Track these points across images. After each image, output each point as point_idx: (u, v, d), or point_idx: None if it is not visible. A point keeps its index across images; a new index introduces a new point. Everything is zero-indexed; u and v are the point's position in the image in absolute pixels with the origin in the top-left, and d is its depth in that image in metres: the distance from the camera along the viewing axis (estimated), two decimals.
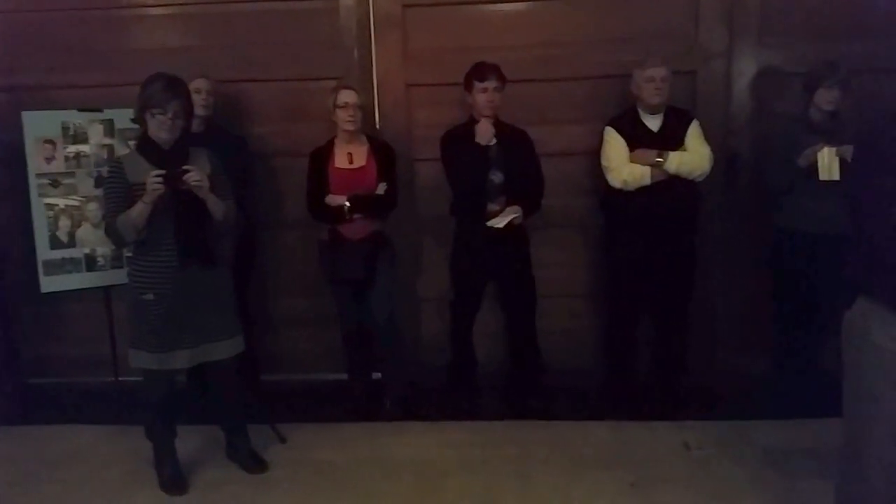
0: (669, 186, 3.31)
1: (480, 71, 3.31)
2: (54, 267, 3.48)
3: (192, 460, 3.16)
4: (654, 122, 3.39)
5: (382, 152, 3.46)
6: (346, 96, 3.34)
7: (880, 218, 1.85)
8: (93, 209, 3.50)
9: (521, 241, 3.52)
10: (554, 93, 3.73)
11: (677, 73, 3.38)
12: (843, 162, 3.07)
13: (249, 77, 3.82)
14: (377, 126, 3.81)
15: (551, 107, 3.74)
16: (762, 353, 3.66)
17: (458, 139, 3.39)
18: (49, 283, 3.49)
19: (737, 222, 3.75)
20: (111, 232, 2.76)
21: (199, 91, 3.26)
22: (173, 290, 2.76)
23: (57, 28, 3.85)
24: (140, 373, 2.88)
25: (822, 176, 3.11)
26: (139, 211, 2.66)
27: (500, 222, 3.33)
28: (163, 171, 2.63)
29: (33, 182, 3.44)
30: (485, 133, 3.30)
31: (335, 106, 3.34)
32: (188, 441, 3.19)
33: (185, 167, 2.67)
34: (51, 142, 3.45)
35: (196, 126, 2.91)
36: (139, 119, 2.75)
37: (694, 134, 3.38)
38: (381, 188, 3.40)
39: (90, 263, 3.54)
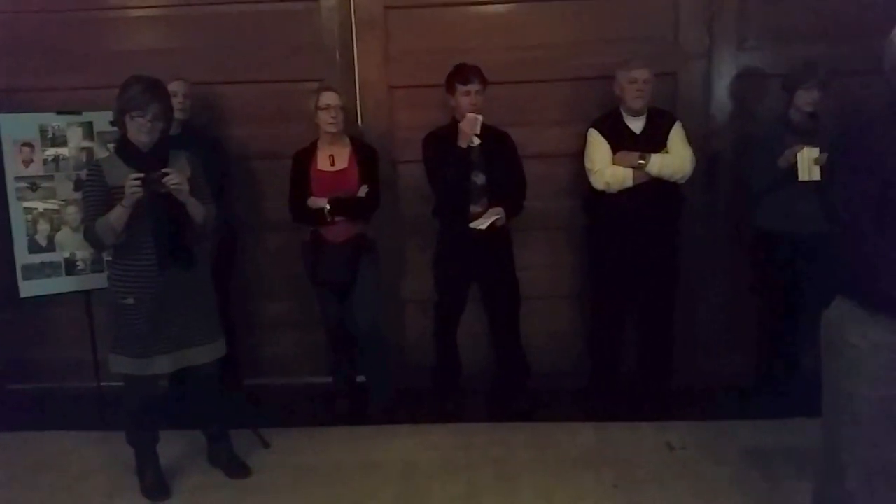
0: (652, 188, 3.33)
1: (463, 74, 3.30)
2: (33, 271, 3.44)
3: (175, 466, 3.14)
4: (636, 124, 3.41)
5: (364, 154, 3.46)
6: (328, 98, 3.33)
7: (852, 219, 1.87)
8: (72, 213, 3.46)
9: (504, 243, 3.52)
10: (536, 94, 3.73)
11: (658, 74, 3.39)
12: None
13: (231, 79, 3.79)
14: (360, 127, 3.79)
15: (533, 109, 3.74)
16: (744, 353, 3.68)
17: (440, 141, 3.39)
18: (28, 288, 3.46)
19: (718, 223, 3.77)
20: (90, 236, 2.74)
21: (176, 94, 3.24)
22: (154, 293, 2.74)
23: (35, 30, 3.81)
24: (121, 378, 2.85)
25: (802, 176, 3.13)
26: (118, 214, 2.64)
27: (482, 224, 3.33)
28: (142, 174, 2.61)
29: (11, 185, 3.41)
30: (469, 126, 3.24)
31: (317, 108, 3.34)
32: (170, 446, 3.16)
33: (164, 170, 2.65)
34: (29, 145, 3.41)
35: (172, 129, 2.89)
36: (118, 122, 2.73)
37: (676, 136, 3.40)
38: (363, 190, 3.40)
39: (70, 267, 3.50)
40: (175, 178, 2.65)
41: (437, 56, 3.56)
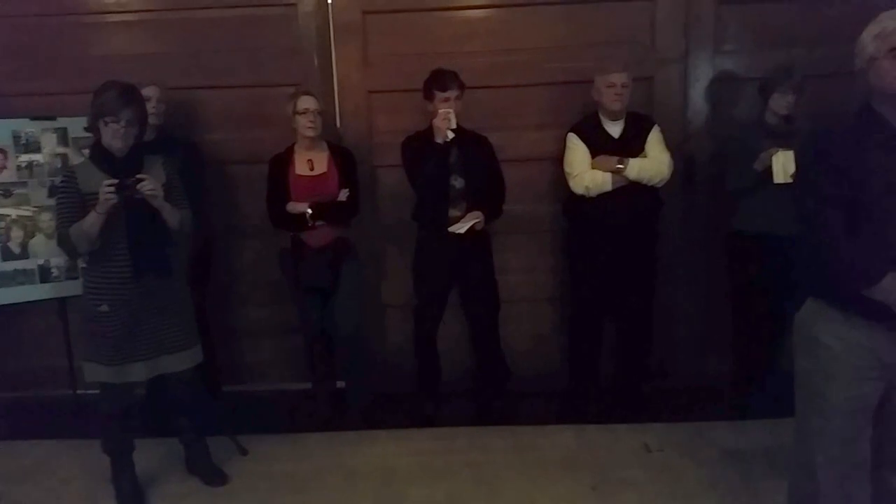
0: (630, 192, 3.35)
1: (441, 80, 3.29)
2: (7, 279, 3.39)
3: (151, 474, 3.11)
4: (615, 129, 3.43)
5: (343, 158, 3.45)
6: (306, 102, 3.32)
7: (823, 220, 1.89)
8: (46, 219, 3.42)
9: (484, 247, 3.52)
10: (515, 99, 3.74)
11: (635, 79, 3.41)
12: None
13: (209, 84, 3.76)
14: (339, 130, 3.78)
15: (512, 113, 3.75)
16: (721, 354, 3.70)
17: (419, 143, 3.39)
18: (2, 296, 3.41)
19: (695, 225, 3.79)
20: (64, 243, 2.71)
21: (150, 99, 3.20)
22: (128, 301, 2.71)
23: (8, 35, 3.76)
24: (96, 386, 2.82)
25: (778, 179, 3.15)
26: (92, 221, 2.61)
27: (461, 228, 3.33)
28: (116, 181, 2.58)
29: None
30: (442, 121, 3.23)
31: (295, 112, 3.33)
32: (147, 454, 3.13)
33: (138, 176, 2.63)
34: (2, 151, 3.37)
35: (147, 134, 2.87)
36: (92, 127, 2.70)
37: (654, 140, 3.42)
38: (344, 194, 3.39)
39: (44, 275, 3.46)
40: (149, 185, 2.62)
41: (415, 60, 3.55)
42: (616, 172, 3.33)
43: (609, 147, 3.38)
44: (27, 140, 3.41)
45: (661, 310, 3.70)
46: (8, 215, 3.39)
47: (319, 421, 3.58)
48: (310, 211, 3.31)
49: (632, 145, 3.39)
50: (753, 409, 3.38)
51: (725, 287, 3.58)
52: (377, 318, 3.96)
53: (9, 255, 3.40)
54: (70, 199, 2.69)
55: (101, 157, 2.71)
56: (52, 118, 3.45)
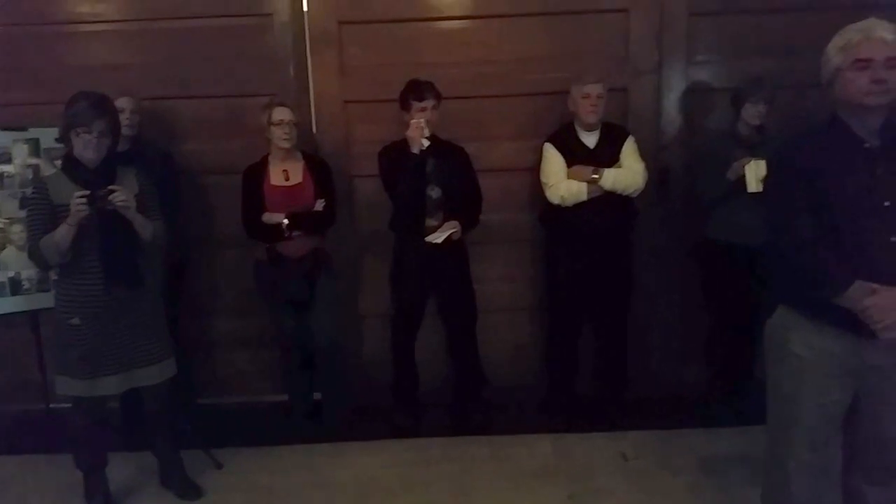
0: (606, 202, 3.37)
1: (417, 91, 3.29)
2: None
3: (125, 489, 3.07)
4: (590, 139, 3.45)
5: (318, 168, 3.45)
6: (281, 113, 3.31)
7: (790, 228, 1.92)
8: (17, 231, 3.35)
9: (460, 257, 3.53)
10: (491, 109, 3.75)
11: (610, 89, 3.43)
12: None
13: (184, 94, 3.74)
14: (315, 138, 3.77)
15: (489, 123, 3.76)
16: (698, 362, 3.73)
17: (395, 153, 3.38)
18: None
19: (670, 235, 3.82)
20: (35, 255, 2.68)
21: (123, 110, 3.17)
22: (100, 313, 2.68)
23: None
24: (68, 399, 2.78)
25: (750, 188, 3.19)
26: (63, 233, 2.58)
27: (438, 238, 3.33)
28: (87, 192, 2.56)
29: None
30: (415, 132, 3.23)
31: (269, 123, 3.32)
32: (120, 469, 3.09)
33: (110, 187, 2.60)
34: None
35: (121, 145, 2.84)
36: (64, 138, 2.68)
37: (629, 150, 3.45)
38: (320, 204, 3.38)
39: (15, 287, 3.40)
40: (121, 196, 2.60)
41: (392, 71, 3.56)
42: (591, 182, 3.35)
43: (584, 157, 3.40)
44: None
45: (637, 318, 3.72)
46: None
47: (296, 433, 3.55)
48: (286, 221, 3.30)
49: (607, 155, 3.41)
50: (731, 416, 3.40)
51: (700, 294, 3.61)
52: (354, 328, 3.94)
53: None
54: (41, 210, 2.65)
55: (73, 168, 2.68)
56: (24, 129, 3.39)
